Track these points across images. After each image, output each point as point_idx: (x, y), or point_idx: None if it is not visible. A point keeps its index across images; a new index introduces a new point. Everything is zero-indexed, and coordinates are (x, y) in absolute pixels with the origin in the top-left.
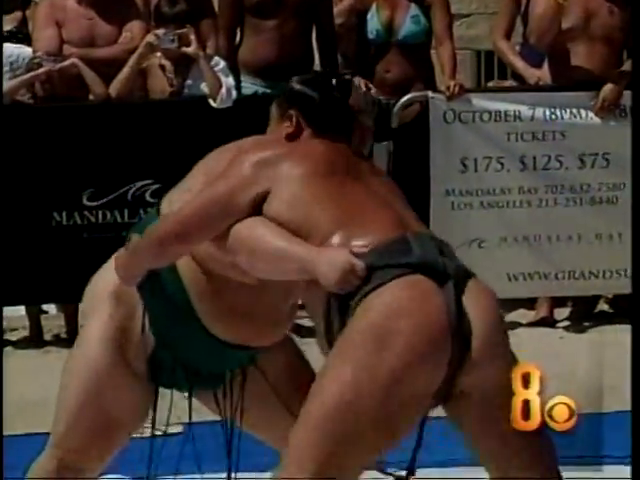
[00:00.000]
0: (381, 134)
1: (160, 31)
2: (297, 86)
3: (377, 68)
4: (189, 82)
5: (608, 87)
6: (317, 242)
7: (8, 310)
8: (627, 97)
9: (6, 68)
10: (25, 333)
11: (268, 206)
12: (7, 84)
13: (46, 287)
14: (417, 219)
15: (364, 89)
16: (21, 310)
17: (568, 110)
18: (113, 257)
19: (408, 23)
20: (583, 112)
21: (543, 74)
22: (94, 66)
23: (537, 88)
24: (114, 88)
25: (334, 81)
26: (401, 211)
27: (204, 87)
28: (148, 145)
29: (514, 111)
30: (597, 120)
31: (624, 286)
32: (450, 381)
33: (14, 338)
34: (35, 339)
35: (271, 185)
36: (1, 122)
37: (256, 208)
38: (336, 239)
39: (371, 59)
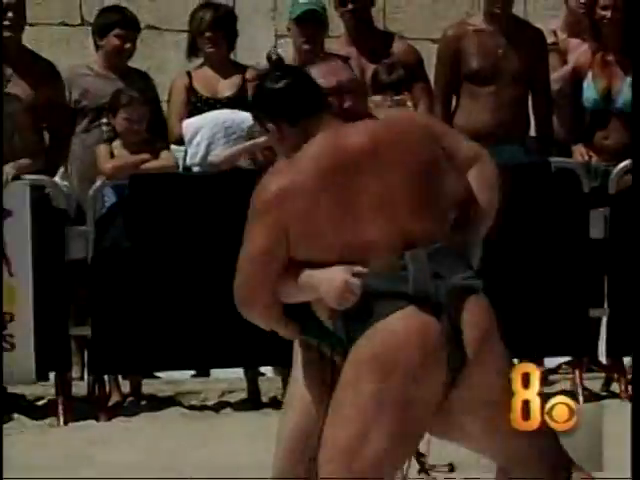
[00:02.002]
0: (599, 200)
1: (377, 98)
2: (269, 85)
3: (596, 135)
4: None
5: None
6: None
7: (226, 372)
8: None
9: (221, 133)
10: (243, 395)
11: (289, 244)
12: (229, 151)
13: (263, 350)
14: (422, 219)
15: (586, 157)
16: (239, 372)
17: None
18: None
19: (626, 91)
20: None
21: None
22: None
23: None
24: None
25: (273, 54)
26: (403, 217)
27: None
28: None
29: None
30: None
31: None
32: (448, 392)
33: (233, 400)
34: (253, 401)
35: (286, 226)
36: None
37: (288, 247)
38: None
39: (588, 125)
